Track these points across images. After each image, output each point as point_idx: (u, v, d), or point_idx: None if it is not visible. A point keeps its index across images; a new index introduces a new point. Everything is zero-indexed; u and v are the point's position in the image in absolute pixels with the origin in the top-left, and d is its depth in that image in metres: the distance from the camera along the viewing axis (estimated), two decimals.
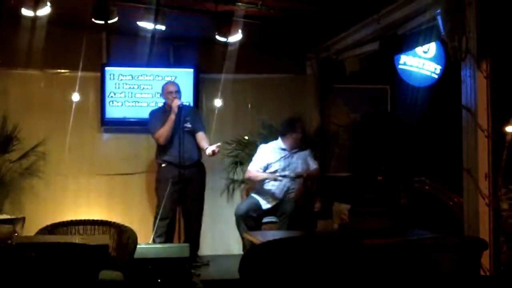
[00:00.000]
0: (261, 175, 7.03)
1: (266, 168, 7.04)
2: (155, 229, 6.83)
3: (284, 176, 6.98)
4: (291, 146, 7.11)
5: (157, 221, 6.82)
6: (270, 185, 7.00)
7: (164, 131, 6.85)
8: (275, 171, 7.01)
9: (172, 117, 6.81)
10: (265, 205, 6.98)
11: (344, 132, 8.45)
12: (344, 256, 4.12)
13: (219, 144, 6.81)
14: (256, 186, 7.15)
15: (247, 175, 7.23)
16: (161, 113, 7.06)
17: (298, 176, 7.01)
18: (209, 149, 6.73)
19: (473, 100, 5.10)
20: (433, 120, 7.95)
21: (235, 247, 7.73)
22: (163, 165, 6.98)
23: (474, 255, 4.37)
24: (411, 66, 8.07)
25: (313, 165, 7.21)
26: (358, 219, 5.90)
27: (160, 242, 6.72)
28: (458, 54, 5.15)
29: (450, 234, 5.80)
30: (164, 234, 6.86)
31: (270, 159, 7.07)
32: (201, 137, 7.03)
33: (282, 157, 7.06)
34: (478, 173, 5.03)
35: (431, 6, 5.53)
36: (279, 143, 7.15)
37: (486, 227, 4.98)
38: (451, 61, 5.52)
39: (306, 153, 7.23)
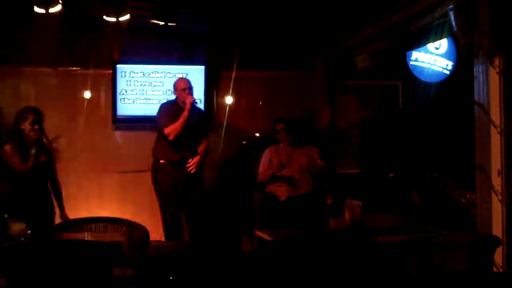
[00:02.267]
0: (266, 173, 7.09)
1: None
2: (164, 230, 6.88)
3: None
4: (284, 142, 7.17)
5: (165, 221, 6.87)
6: (281, 178, 7.04)
7: (176, 127, 6.75)
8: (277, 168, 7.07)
9: (186, 114, 6.75)
10: (281, 198, 7.00)
11: (355, 129, 8.43)
12: (356, 254, 4.12)
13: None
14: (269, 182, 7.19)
15: (259, 178, 7.27)
16: (173, 108, 6.96)
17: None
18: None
19: (485, 96, 5.07)
20: (445, 116, 7.92)
21: (246, 244, 7.73)
22: (161, 161, 6.95)
23: (487, 252, 4.36)
24: (422, 62, 8.05)
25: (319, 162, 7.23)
26: (370, 216, 5.88)
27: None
28: (471, 50, 5.12)
29: (462, 231, 5.78)
30: (173, 233, 6.88)
31: (274, 158, 7.15)
32: (202, 141, 7.05)
33: (283, 153, 7.13)
34: (491, 170, 5.01)
35: (443, 2, 5.51)
36: (280, 144, 7.25)
37: (499, 224, 4.95)
38: (463, 57, 5.50)
39: (309, 149, 7.24)
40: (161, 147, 6.93)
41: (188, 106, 6.73)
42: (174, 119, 6.80)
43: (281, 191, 7.05)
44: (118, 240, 4.69)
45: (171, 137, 6.81)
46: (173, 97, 7.12)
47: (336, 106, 8.38)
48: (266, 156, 7.19)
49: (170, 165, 6.85)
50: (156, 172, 7.01)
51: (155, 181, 7.02)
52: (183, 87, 6.92)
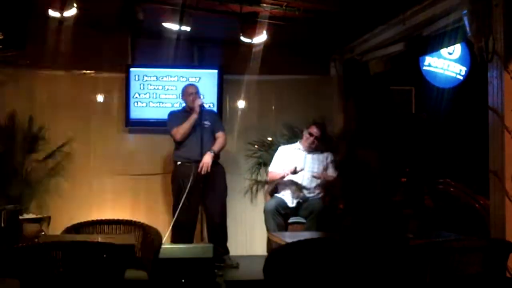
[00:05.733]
0: (280, 173, 7.09)
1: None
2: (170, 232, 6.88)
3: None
4: (305, 146, 7.16)
5: (173, 223, 6.85)
6: (291, 182, 7.01)
7: (182, 128, 6.90)
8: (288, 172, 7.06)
9: (194, 116, 6.87)
10: (291, 203, 6.99)
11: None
12: (369, 258, 4.11)
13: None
14: (279, 185, 7.17)
15: (269, 176, 7.30)
16: (180, 113, 7.15)
17: (313, 177, 7.04)
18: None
19: (499, 102, 5.04)
20: (459, 121, 7.89)
21: (259, 247, 7.73)
22: (178, 162, 6.99)
23: (500, 258, 4.33)
24: (436, 67, 8.02)
25: (331, 172, 7.19)
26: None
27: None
28: (485, 55, 5.11)
29: (476, 236, 5.75)
30: (181, 239, 6.87)
31: (287, 159, 7.15)
32: (218, 136, 7.08)
33: (297, 157, 7.12)
34: (505, 175, 4.98)
35: (457, 7, 5.50)
36: (297, 144, 7.25)
37: None
38: (476, 63, 5.47)
39: (325, 156, 7.21)
40: (178, 150, 7.00)
41: (196, 109, 6.84)
42: (181, 123, 6.96)
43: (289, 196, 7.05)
44: (131, 243, 4.70)
45: (177, 137, 6.96)
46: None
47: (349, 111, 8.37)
48: (279, 155, 7.23)
49: (187, 167, 6.86)
50: (174, 175, 7.08)
51: (172, 183, 7.09)
52: (190, 91, 7.10)
